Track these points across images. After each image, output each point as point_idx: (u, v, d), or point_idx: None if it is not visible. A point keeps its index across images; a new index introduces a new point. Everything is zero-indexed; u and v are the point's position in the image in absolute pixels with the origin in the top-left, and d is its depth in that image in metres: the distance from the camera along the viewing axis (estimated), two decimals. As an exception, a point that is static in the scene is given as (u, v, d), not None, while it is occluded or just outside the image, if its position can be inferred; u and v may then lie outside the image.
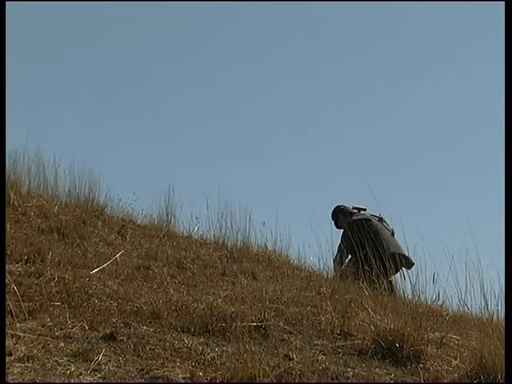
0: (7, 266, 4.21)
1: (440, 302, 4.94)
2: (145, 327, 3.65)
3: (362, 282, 5.21)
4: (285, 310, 4.29)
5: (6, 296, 3.59)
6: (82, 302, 3.85)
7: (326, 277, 5.97)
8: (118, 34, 16.93)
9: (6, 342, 3.14)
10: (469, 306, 4.62)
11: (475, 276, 4.39)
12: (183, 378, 3.05)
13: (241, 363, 3.17)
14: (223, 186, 6.84)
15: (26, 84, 14.77)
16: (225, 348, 3.51)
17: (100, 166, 7.25)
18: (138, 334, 3.53)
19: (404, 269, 6.12)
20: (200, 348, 3.45)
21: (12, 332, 3.28)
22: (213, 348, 3.49)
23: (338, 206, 6.93)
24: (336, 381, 3.24)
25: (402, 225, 5.53)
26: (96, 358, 3.10)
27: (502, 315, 4.06)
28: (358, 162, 14.14)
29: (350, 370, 3.40)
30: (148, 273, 4.81)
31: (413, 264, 5.92)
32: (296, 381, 3.16)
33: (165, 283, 4.56)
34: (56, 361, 3.07)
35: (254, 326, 3.84)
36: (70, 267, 4.46)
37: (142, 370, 3.09)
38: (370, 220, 6.55)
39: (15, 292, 3.68)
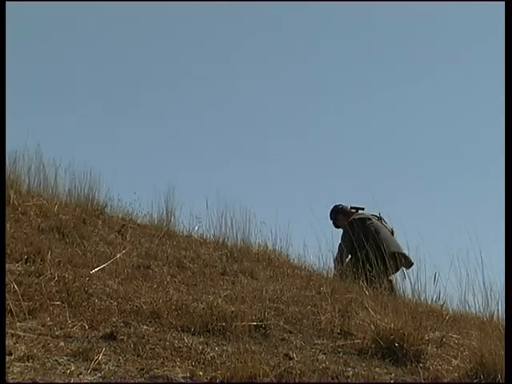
0: (7, 266, 4.21)
1: (440, 302, 4.95)
2: (145, 327, 3.65)
3: (363, 282, 5.21)
4: (285, 310, 4.29)
5: (6, 295, 3.59)
6: (82, 301, 3.85)
7: (326, 276, 5.97)
8: (118, 34, 16.93)
9: (6, 342, 3.14)
10: (469, 306, 4.63)
11: (475, 276, 4.39)
12: (183, 378, 3.05)
13: (241, 362, 3.17)
14: (223, 186, 6.85)
15: (26, 84, 14.77)
16: (225, 347, 3.51)
17: (100, 166, 7.26)
18: (138, 333, 3.53)
19: (403, 268, 6.12)
20: (200, 347, 3.45)
21: (12, 331, 3.28)
22: (213, 347, 3.49)
23: (336, 206, 6.93)
24: (336, 380, 3.24)
25: (402, 225, 5.53)
26: (96, 358, 3.10)
27: (502, 315, 4.07)
28: (358, 162, 14.15)
29: (350, 369, 3.40)
30: (148, 272, 4.81)
31: (412, 264, 5.92)
32: (296, 380, 3.16)
33: (165, 282, 4.56)
34: (56, 360, 3.07)
35: (254, 325, 3.84)
36: (70, 266, 4.46)
37: (142, 369, 3.09)
38: (370, 219, 6.55)
39: (15, 291, 3.68)
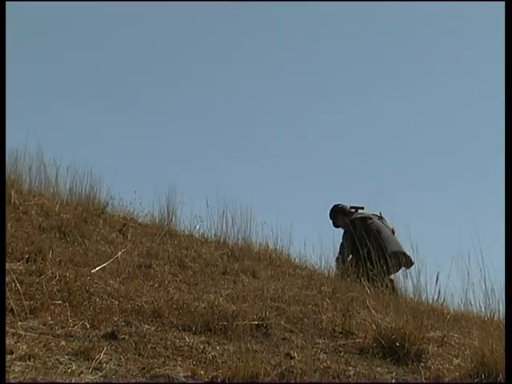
0: (8, 265, 4.21)
1: (441, 301, 4.95)
2: (146, 326, 3.65)
3: (364, 281, 5.21)
4: (286, 309, 4.29)
5: (8, 294, 3.59)
6: (83, 300, 3.85)
7: (327, 275, 5.97)
8: (118, 34, 16.94)
9: (7, 341, 3.14)
10: (470, 305, 4.63)
11: (476, 275, 4.39)
12: (184, 377, 3.05)
13: (242, 362, 3.16)
14: (223, 186, 6.85)
15: (27, 84, 14.77)
16: (226, 347, 3.51)
17: (101, 165, 7.27)
18: (139, 332, 3.53)
19: (404, 268, 6.12)
20: (201, 347, 3.45)
21: (13, 330, 3.28)
22: (214, 347, 3.49)
23: (335, 205, 6.93)
24: (337, 379, 3.24)
25: (405, 225, 5.53)
26: (97, 357, 3.10)
27: (503, 314, 4.06)
28: (358, 162, 14.13)
29: (351, 368, 3.40)
30: (149, 271, 4.81)
31: (413, 263, 5.92)
32: (297, 379, 3.16)
33: (166, 282, 4.56)
34: (57, 359, 3.07)
35: (256, 324, 3.84)
36: (71, 266, 4.46)
37: (143, 368, 3.09)
38: (371, 218, 6.56)
39: (16, 290, 3.68)
